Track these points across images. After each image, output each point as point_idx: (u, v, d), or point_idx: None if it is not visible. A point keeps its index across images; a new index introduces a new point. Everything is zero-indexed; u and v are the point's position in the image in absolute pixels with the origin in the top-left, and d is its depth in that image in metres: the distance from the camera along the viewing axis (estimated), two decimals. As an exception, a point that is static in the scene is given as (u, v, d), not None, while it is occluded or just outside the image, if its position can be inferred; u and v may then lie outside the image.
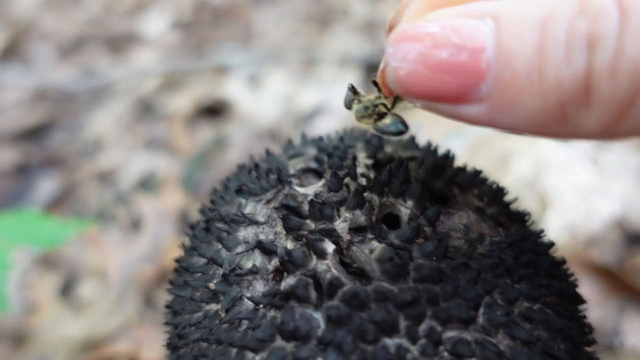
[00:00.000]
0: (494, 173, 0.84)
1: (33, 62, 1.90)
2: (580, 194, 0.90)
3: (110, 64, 1.85)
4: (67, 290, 1.21)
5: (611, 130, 0.28)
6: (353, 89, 0.41)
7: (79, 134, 1.60)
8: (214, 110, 1.58)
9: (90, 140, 1.59)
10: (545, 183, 0.92)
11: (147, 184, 1.43)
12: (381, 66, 0.36)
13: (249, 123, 1.48)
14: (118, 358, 1.02)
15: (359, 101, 0.40)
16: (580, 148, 0.99)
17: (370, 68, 1.56)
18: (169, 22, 1.99)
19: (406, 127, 0.37)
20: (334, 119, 1.44)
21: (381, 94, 0.39)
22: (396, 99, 0.38)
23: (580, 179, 0.93)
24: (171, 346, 0.47)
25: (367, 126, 0.40)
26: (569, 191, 0.91)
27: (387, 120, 0.38)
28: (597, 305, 0.85)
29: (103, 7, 2.16)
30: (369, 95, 0.40)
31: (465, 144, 1.11)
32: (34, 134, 1.60)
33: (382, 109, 0.39)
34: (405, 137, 0.38)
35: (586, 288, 0.86)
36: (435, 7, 0.34)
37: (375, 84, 0.40)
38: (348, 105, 0.41)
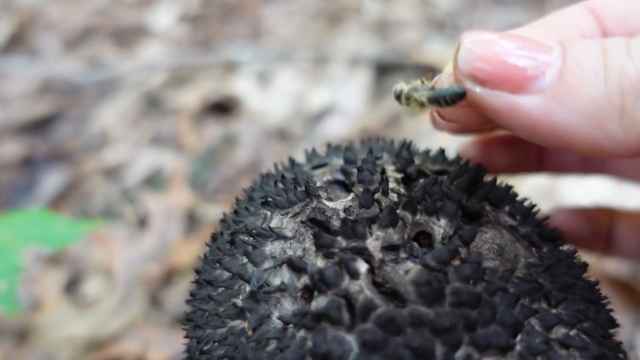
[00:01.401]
0: (509, 182, 0.83)
1: (39, 53, 1.88)
2: (598, 204, 0.89)
3: (117, 57, 1.83)
4: (72, 287, 1.19)
5: None
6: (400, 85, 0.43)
7: (85, 128, 1.58)
8: (222, 107, 1.56)
9: (96, 134, 1.57)
10: (562, 193, 0.91)
11: (154, 181, 1.41)
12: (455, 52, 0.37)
13: (258, 121, 1.46)
14: (125, 358, 1.01)
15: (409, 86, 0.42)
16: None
17: (382, 68, 1.54)
18: (177, 16, 1.97)
19: (463, 90, 0.37)
20: (344, 119, 1.42)
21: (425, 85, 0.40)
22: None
23: (597, 189, 0.92)
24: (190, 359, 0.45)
25: (417, 106, 0.40)
26: (586, 201, 0.89)
27: (445, 85, 0.39)
28: (611, 319, 0.84)
29: (110, -2, 2.14)
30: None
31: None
32: (39, 126, 1.58)
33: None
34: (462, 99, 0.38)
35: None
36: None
37: (397, 97, 0.41)
38: (398, 93, 0.42)
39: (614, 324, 0.43)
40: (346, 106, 1.46)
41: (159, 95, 1.64)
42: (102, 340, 1.07)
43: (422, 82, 0.42)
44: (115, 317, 1.10)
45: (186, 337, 0.46)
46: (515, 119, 0.33)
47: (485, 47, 0.33)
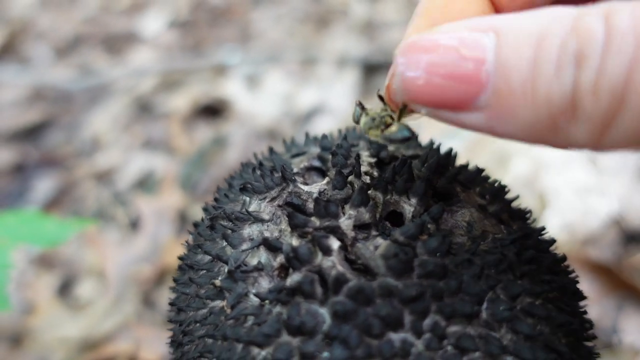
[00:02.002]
0: (493, 173, 0.84)
1: (30, 61, 1.89)
2: (579, 193, 0.91)
3: (108, 64, 1.85)
4: (65, 290, 1.20)
5: (598, 142, 0.30)
6: (361, 105, 0.43)
7: (77, 134, 1.59)
8: (212, 110, 1.58)
9: (87, 140, 1.58)
10: (544, 182, 0.93)
11: (146, 183, 1.42)
12: (386, 82, 0.37)
13: (248, 123, 1.48)
14: (117, 358, 1.01)
15: (367, 114, 0.41)
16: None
17: (369, 68, 1.56)
18: (166, 22, 1.99)
19: (412, 133, 0.39)
20: (333, 119, 1.44)
21: (387, 107, 0.40)
22: (401, 111, 0.39)
23: (578, 178, 0.94)
24: (175, 343, 0.47)
25: (375, 137, 0.41)
26: (567, 190, 0.91)
27: (394, 128, 0.40)
28: (595, 303, 0.86)
29: (100, 6, 2.16)
30: (376, 109, 0.42)
31: (464, 144, 1.11)
32: (31, 134, 1.59)
33: (389, 120, 0.40)
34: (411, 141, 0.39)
35: (584, 286, 0.87)
36: (434, 24, 0.37)
37: (381, 98, 0.41)
38: (357, 120, 0.42)
39: (580, 295, 0.45)
40: (334, 105, 1.48)
41: (150, 99, 1.66)
42: (96, 341, 1.08)
43: (384, 109, 0.41)
44: (108, 318, 1.11)
45: (170, 321, 0.48)
46: (465, 127, 0.34)
47: (420, 75, 0.33)
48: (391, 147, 0.52)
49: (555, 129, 0.30)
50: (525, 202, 0.94)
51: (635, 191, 0.94)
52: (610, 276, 0.86)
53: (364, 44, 1.66)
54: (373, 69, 1.57)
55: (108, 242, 1.26)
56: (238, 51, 1.76)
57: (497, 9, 0.40)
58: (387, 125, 0.41)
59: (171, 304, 0.48)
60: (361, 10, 1.80)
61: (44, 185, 1.43)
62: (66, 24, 2.06)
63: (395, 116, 0.40)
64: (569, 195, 0.91)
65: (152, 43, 1.92)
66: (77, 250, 1.25)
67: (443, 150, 0.52)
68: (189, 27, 1.94)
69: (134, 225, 1.31)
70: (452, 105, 0.33)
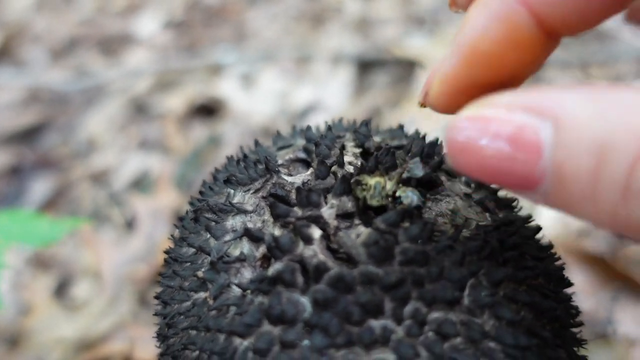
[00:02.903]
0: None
1: (26, 64, 1.90)
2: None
3: (103, 65, 1.85)
4: (61, 291, 1.20)
5: None
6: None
7: (73, 135, 1.60)
8: (208, 109, 1.58)
9: (83, 141, 1.58)
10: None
11: (141, 184, 1.42)
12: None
13: (243, 121, 1.48)
14: (112, 358, 1.01)
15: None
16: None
17: (364, 65, 1.56)
18: (161, 22, 1.99)
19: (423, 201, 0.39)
20: (328, 116, 1.44)
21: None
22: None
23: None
24: (161, 336, 0.47)
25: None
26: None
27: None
28: (590, 295, 0.85)
29: (95, 8, 2.16)
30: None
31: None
32: (26, 136, 1.59)
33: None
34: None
35: (579, 278, 0.87)
36: (461, 90, 0.35)
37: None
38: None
39: (566, 282, 0.45)
40: (330, 103, 1.48)
41: (146, 100, 1.66)
42: (92, 341, 1.08)
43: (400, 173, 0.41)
44: (104, 318, 1.11)
45: (156, 314, 0.48)
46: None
47: (473, 153, 0.30)
48: (377, 138, 0.52)
49: (616, 223, 0.27)
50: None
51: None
52: (605, 268, 0.86)
53: (358, 41, 1.66)
54: (368, 65, 1.56)
55: (104, 242, 1.26)
56: (233, 50, 1.76)
57: (547, 31, 0.33)
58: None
59: (156, 297, 0.48)
60: (355, 7, 1.80)
61: (40, 187, 1.43)
62: (62, 26, 2.07)
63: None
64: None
65: (147, 44, 1.93)
66: (73, 251, 1.26)
67: (429, 140, 0.52)
68: (184, 27, 1.95)
69: (130, 225, 1.31)
70: (508, 187, 0.31)
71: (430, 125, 1.18)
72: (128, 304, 1.12)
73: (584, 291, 0.85)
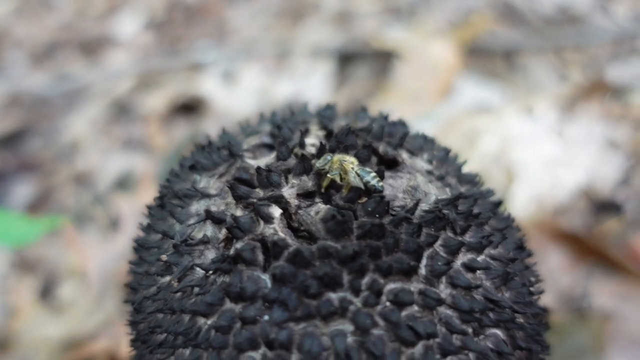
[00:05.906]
0: (464, 151, 0.85)
1: (6, 70, 1.88)
2: (546, 165, 0.92)
3: (84, 68, 1.84)
4: (47, 292, 1.20)
5: None
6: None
7: (55, 138, 1.59)
8: (189, 108, 1.57)
9: (66, 144, 1.58)
10: (512, 157, 0.93)
11: (125, 183, 1.42)
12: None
13: (225, 117, 1.48)
14: (98, 356, 1.01)
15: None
16: (545, 122, 1.01)
17: (344, 58, 1.57)
18: (141, 23, 1.98)
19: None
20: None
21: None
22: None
23: (545, 151, 0.95)
24: (131, 323, 0.47)
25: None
26: (535, 163, 0.92)
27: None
28: (567, 272, 0.87)
29: (75, 11, 2.15)
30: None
31: (436, 125, 1.12)
32: (8, 141, 1.58)
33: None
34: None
35: (556, 256, 0.88)
36: None
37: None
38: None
39: (526, 251, 0.46)
40: (310, 96, 1.48)
41: (128, 100, 1.66)
42: (79, 340, 1.08)
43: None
44: (90, 316, 1.11)
45: (126, 302, 0.48)
46: None
47: None
48: (341, 122, 0.52)
49: None
50: (494, 177, 0.95)
51: (602, 161, 0.95)
52: (581, 245, 0.87)
53: (338, 35, 1.67)
54: (348, 58, 1.57)
55: (88, 243, 1.26)
56: (214, 49, 1.76)
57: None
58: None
59: (126, 285, 0.48)
60: (334, 2, 1.81)
61: (23, 190, 1.42)
62: (42, 30, 2.05)
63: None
64: (537, 168, 0.92)
65: (128, 45, 1.92)
66: (57, 252, 1.25)
67: (391, 120, 0.53)
68: (164, 27, 1.94)
69: (115, 224, 1.31)
70: None
71: (409, 113, 1.19)
72: (113, 302, 1.12)
73: (562, 268, 0.87)
